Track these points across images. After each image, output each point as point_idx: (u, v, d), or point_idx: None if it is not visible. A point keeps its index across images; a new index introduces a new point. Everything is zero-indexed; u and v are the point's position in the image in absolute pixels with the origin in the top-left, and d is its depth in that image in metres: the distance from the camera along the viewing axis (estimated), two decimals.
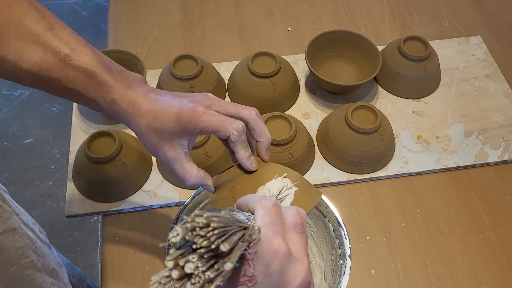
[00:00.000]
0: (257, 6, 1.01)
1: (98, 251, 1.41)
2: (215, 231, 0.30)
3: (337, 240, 0.54)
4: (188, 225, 0.30)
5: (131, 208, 0.71)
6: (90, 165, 0.69)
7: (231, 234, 0.32)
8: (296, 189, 0.45)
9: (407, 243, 0.69)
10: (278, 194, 0.45)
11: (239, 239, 0.33)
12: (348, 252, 0.52)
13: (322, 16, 0.99)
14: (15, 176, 1.59)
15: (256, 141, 0.48)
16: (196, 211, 0.31)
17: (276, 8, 1.01)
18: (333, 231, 0.56)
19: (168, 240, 0.31)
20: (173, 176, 0.73)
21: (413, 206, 0.73)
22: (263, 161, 0.49)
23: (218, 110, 0.46)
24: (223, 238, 0.31)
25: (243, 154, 0.47)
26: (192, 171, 0.47)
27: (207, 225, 0.31)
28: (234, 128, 0.45)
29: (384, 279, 0.66)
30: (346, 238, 0.53)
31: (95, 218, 1.49)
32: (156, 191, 0.73)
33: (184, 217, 0.31)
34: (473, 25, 0.98)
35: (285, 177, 0.47)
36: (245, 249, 0.33)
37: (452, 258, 0.68)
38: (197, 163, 0.49)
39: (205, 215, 0.31)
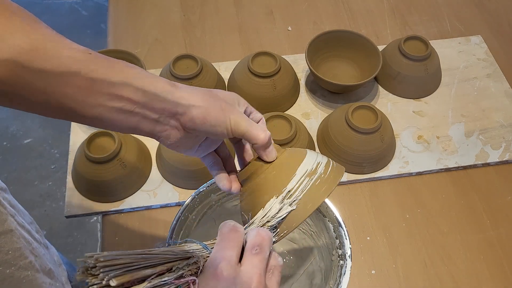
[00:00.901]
0: (257, 5, 1.01)
1: (98, 251, 1.41)
2: (107, 269, 0.33)
3: (337, 240, 0.54)
4: (82, 267, 0.33)
5: (130, 208, 0.71)
6: (89, 165, 0.69)
7: (140, 269, 0.35)
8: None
9: (407, 243, 0.69)
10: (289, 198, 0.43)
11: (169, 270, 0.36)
12: (349, 252, 0.51)
13: (323, 16, 0.99)
14: (14, 176, 1.59)
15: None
16: (89, 254, 0.34)
17: (276, 8, 1.01)
18: (333, 231, 0.55)
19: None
20: (173, 176, 0.73)
21: (414, 206, 0.73)
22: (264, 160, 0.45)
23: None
24: (112, 274, 0.33)
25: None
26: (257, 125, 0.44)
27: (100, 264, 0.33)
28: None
29: (384, 279, 0.66)
30: (346, 239, 0.52)
31: (95, 218, 1.49)
32: (156, 191, 0.73)
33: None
34: (473, 24, 0.98)
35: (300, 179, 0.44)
36: (185, 276, 0.36)
37: (452, 258, 0.68)
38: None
39: (95, 256, 0.33)
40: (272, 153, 0.44)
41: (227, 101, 0.43)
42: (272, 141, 0.45)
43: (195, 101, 0.40)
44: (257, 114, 0.47)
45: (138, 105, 0.38)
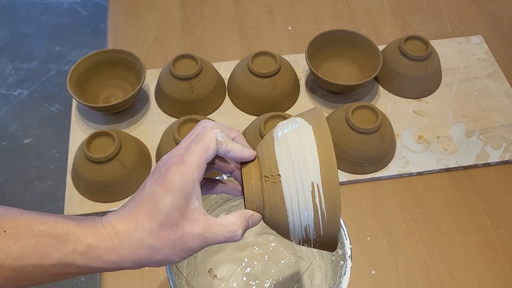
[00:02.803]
0: (257, 5, 1.01)
1: None
2: None
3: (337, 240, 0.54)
4: None
5: None
6: (89, 165, 0.69)
7: None
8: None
9: (407, 244, 0.69)
10: None
11: None
12: (349, 252, 0.51)
13: (323, 16, 0.99)
14: (14, 176, 1.59)
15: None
16: None
17: (276, 8, 1.01)
18: None
19: None
20: None
21: (414, 207, 0.72)
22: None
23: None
24: None
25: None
26: (229, 220, 0.39)
27: None
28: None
29: (384, 279, 0.66)
30: (346, 239, 0.52)
31: None
32: None
33: None
34: (474, 24, 0.97)
35: None
36: None
37: (453, 258, 0.68)
38: None
39: None
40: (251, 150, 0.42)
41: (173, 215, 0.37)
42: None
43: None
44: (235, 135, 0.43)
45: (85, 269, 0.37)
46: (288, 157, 0.39)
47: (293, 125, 0.40)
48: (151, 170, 0.41)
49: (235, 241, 0.39)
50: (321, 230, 0.39)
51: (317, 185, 0.38)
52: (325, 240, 0.39)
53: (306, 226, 0.39)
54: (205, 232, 0.37)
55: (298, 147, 0.38)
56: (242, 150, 0.40)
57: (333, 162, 0.38)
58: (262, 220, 0.42)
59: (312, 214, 0.38)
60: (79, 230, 0.36)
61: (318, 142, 0.38)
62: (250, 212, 0.41)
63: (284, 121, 0.42)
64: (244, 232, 0.40)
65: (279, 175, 0.39)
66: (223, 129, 0.39)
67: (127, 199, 0.72)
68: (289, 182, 0.38)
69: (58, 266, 0.35)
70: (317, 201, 0.38)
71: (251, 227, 0.41)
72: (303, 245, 0.41)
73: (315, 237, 0.39)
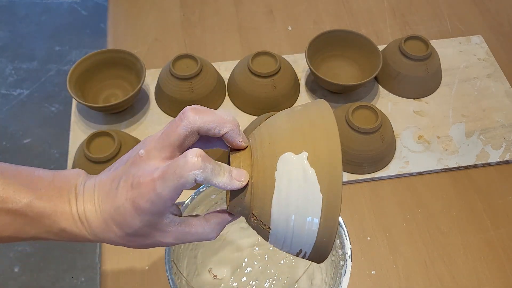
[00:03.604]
0: (257, 5, 1.01)
1: (97, 251, 1.40)
2: None
3: (338, 240, 0.54)
4: None
5: None
6: (89, 165, 0.69)
7: None
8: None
9: (408, 244, 0.69)
10: None
11: None
12: (349, 252, 0.51)
13: (323, 16, 0.99)
14: None
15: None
16: None
17: (276, 7, 1.01)
18: None
19: None
20: None
21: (414, 207, 0.72)
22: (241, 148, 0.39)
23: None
24: None
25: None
26: (205, 229, 0.39)
27: None
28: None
29: (384, 280, 0.66)
30: (346, 239, 0.52)
31: None
32: None
33: None
34: (474, 24, 0.97)
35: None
36: None
37: (453, 258, 0.68)
38: None
39: None
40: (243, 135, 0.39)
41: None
42: None
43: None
44: None
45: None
46: (285, 221, 0.36)
47: (304, 182, 0.35)
48: (130, 151, 0.39)
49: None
50: (307, 257, 0.38)
51: (305, 253, 0.37)
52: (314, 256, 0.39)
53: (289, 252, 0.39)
54: (178, 240, 0.38)
55: (299, 217, 0.35)
56: (228, 184, 0.36)
57: (330, 243, 0.36)
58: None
59: (297, 255, 0.38)
60: (54, 214, 0.37)
61: (322, 222, 0.35)
62: (230, 217, 0.40)
63: (294, 159, 0.35)
64: (219, 234, 0.40)
65: (269, 228, 0.37)
66: (206, 164, 0.34)
67: None
68: (277, 238, 0.37)
69: (34, 238, 0.38)
70: (301, 255, 0.38)
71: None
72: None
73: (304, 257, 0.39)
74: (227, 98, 0.85)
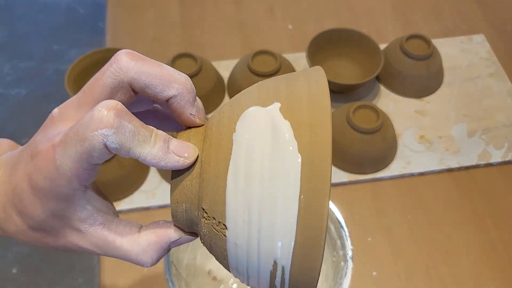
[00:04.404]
0: (257, 3, 1.00)
1: None
2: None
3: (338, 241, 0.54)
4: None
5: (129, 209, 0.70)
6: None
7: None
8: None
9: (409, 245, 0.68)
10: None
11: None
12: (350, 253, 0.51)
13: (323, 14, 0.98)
14: None
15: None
16: None
17: (277, 6, 1.00)
18: (334, 232, 0.55)
19: None
20: None
21: (416, 207, 0.72)
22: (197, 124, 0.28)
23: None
24: None
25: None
26: (134, 249, 0.28)
27: None
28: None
29: (386, 281, 0.65)
30: (347, 240, 0.52)
31: None
32: (155, 191, 0.72)
33: None
34: (476, 23, 0.97)
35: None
36: None
37: (454, 259, 0.67)
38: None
39: None
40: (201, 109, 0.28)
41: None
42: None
43: None
44: None
45: None
46: (246, 207, 0.23)
47: (273, 139, 0.23)
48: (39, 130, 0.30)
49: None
50: (288, 274, 0.24)
51: (282, 268, 0.23)
52: None
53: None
54: (98, 249, 0.29)
55: (267, 196, 0.22)
56: (161, 159, 0.25)
57: (321, 237, 0.22)
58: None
59: (272, 276, 0.25)
60: None
61: (303, 199, 0.22)
62: (174, 235, 0.28)
63: (258, 112, 0.24)
64: (159, 260, 0.29)
65: (224, 225, 0.24)
66: (123, 123, 0.23)
67: (126, 200, 0.71)
68: (238, 246, 0.24)
69: None
70: (277, 282, 0.24)
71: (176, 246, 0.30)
72: None
73: None
74: (226, 97, 0.84)
